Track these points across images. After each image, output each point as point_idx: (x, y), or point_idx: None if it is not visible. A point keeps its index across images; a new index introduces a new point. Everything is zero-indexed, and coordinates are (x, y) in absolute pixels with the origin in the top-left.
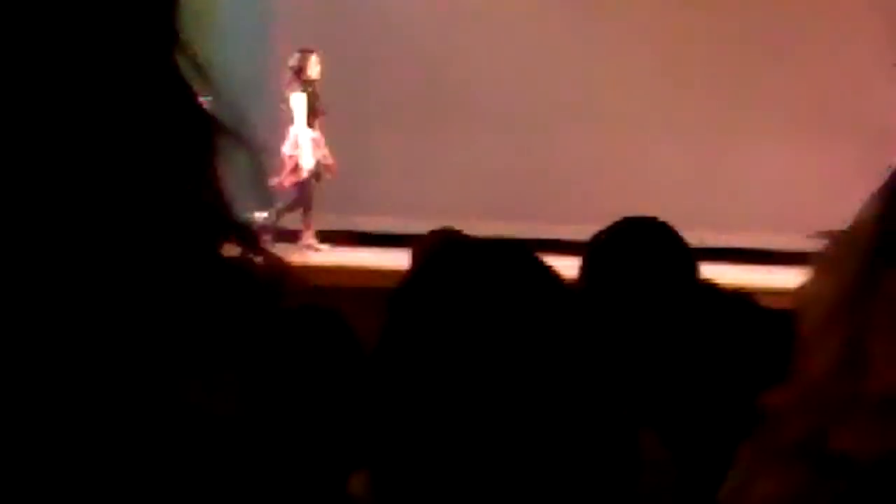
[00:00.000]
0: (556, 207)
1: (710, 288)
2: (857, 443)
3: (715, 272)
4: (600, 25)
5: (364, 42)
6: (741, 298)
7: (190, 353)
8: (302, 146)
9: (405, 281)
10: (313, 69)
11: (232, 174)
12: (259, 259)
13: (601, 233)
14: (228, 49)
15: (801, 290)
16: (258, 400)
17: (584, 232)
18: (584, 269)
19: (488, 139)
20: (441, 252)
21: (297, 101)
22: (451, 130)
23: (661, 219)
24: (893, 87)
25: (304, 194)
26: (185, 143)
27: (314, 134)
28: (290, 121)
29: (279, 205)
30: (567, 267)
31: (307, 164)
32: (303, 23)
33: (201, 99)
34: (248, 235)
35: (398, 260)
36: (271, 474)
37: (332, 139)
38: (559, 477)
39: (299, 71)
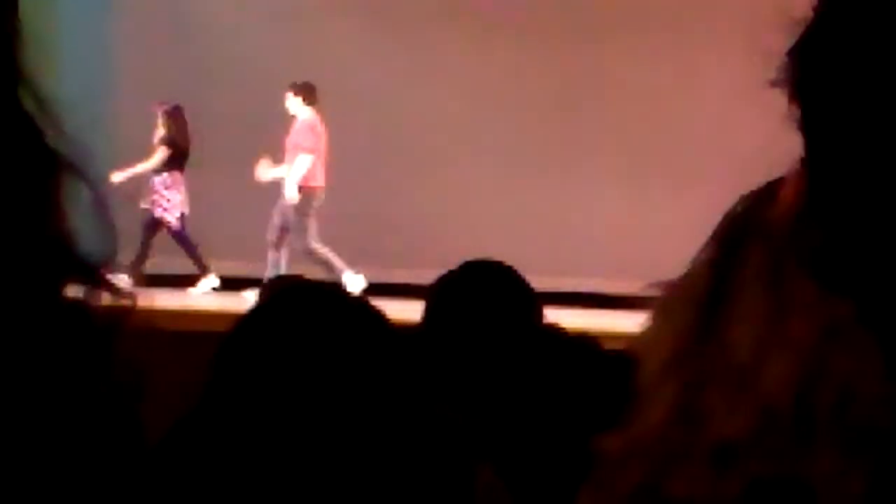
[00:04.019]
0: (404, 252)
1: (553, 331)
2: (692, 490)
3: (559, 317)
4: (438, 69)
5: (192, 83)
6: (584, 342)
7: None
8: None
9: (235, 326)
10: None
11: (75, 211)
12: (103, 299)
13: (444, 276)
14: (70, 83)
15: (638, 337)
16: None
17: (431, 276)
18: (427, 311)
19: (336, 187)
20: (270, 298)
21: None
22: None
23: (505, 262)
24: (758, 115)
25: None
26: (27, 179)
27: None
28: None
29: None
30: (412, 311)
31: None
32: (144, 58)
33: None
34: (91, 273)
35: (244, 305)
36: None
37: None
38: None
39: None
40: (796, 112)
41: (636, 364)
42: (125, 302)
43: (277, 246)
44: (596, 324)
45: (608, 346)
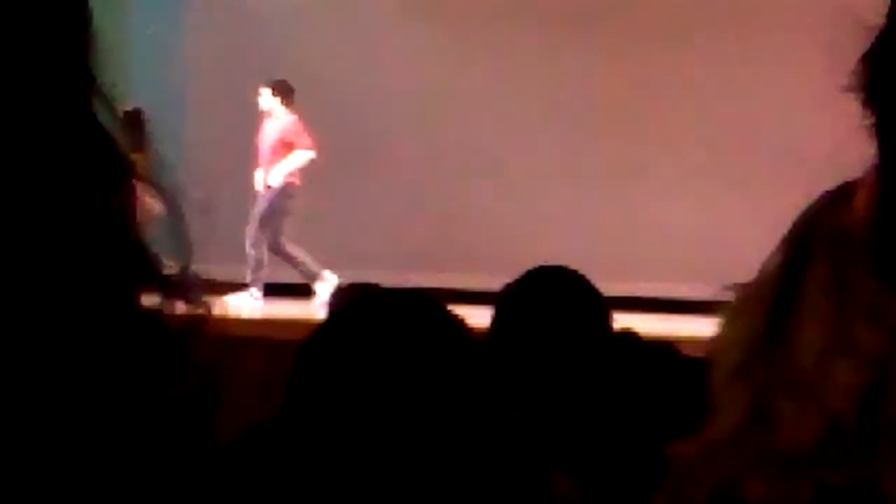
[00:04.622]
0: (470, 257)
1: (629, 336)
2: (768, 497)
3: (630, 322)
4: (505, 73)
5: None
6: (660, 347)
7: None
8: None
9: (314, 332)
10: None
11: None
12: (179, 307)
13: (512, 283)
14: (143, 94)
15: (710, 342)
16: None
17: (499, 282)
18: (496, 318)
19: (398, 188)
20: (348, 305)
21: None
22: (359, 180)
23: (573, 268)
24: (831, 120)
25: None
26: (103, 187)
27: None
28: None
29: None
30: (482, 317)
31: None
32: (214, 66)
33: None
34: (167, 282)
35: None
36: None
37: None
38: None
39: None
40: (869, 117)
41: (709, 368)
42: (200, 310)
43: (280, 250)
44: (668, 329)
45: (687, 351)
